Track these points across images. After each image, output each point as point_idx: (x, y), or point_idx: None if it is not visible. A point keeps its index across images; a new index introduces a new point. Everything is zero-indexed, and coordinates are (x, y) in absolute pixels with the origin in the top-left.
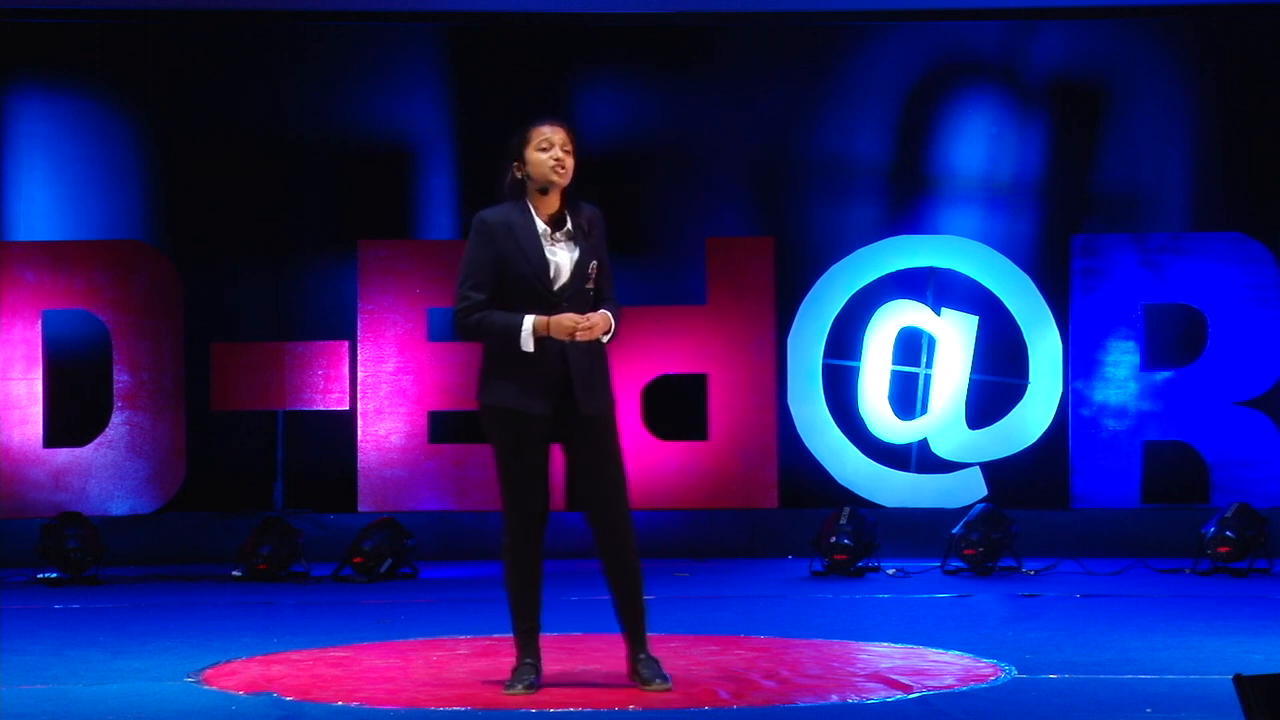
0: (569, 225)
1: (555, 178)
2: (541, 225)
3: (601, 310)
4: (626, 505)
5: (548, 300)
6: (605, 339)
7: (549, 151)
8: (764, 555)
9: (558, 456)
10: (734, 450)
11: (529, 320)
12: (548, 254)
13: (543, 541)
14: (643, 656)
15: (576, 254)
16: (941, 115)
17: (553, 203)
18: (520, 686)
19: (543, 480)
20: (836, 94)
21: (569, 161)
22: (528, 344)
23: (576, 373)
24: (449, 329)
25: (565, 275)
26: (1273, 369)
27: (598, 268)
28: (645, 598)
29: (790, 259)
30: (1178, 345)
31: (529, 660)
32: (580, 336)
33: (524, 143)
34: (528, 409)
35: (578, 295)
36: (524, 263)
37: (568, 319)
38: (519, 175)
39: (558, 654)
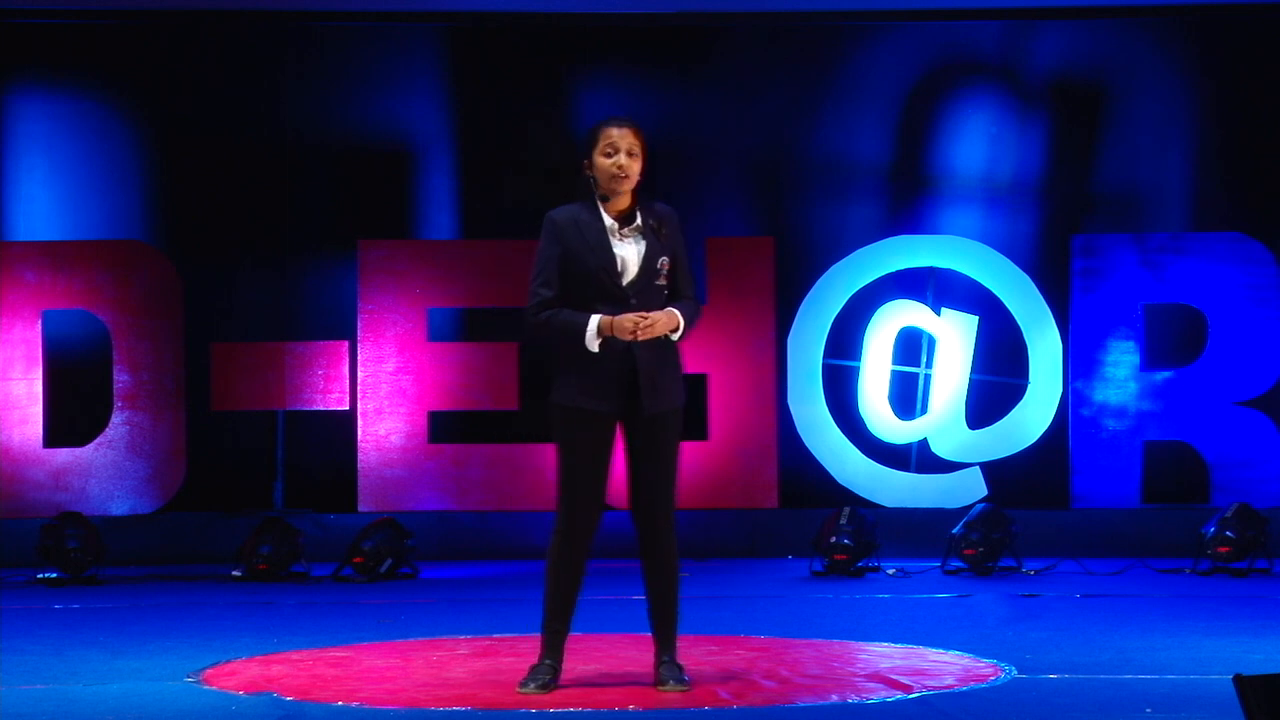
0: (638, 221)
1: (616, 186)
2: (609, 221)
3: (668, 308)
4: (672, 510)
5: (617, 295)
6: (675, 337)
7: (613, 157)
8: (764, 555)
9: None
10: (734, 450)
11: (594, 320)
12: (615, 249)
13: (589, 544)
14: (666, 659)
15: (644, 249)
16: (941, 115)
17: (621, 200)
18: (533, 685)
19: (601, 481)
20: (836, 94)
21: (634, 166)
22: (592, 344)
23: (643, 371)
24: (448, 329)
25: (633, 270)
26: (1273, 369)
27: (670, 264)
28: (679, 603)
29: (790, 259)
30: (1178, 345)
31: (549, 661)
32: (641, 335)
33: (592, 144)
34: (595, 407)
35: (648, 291)
36: (590, 258)
37: (628, 318)
38: (588, 174)
39: None
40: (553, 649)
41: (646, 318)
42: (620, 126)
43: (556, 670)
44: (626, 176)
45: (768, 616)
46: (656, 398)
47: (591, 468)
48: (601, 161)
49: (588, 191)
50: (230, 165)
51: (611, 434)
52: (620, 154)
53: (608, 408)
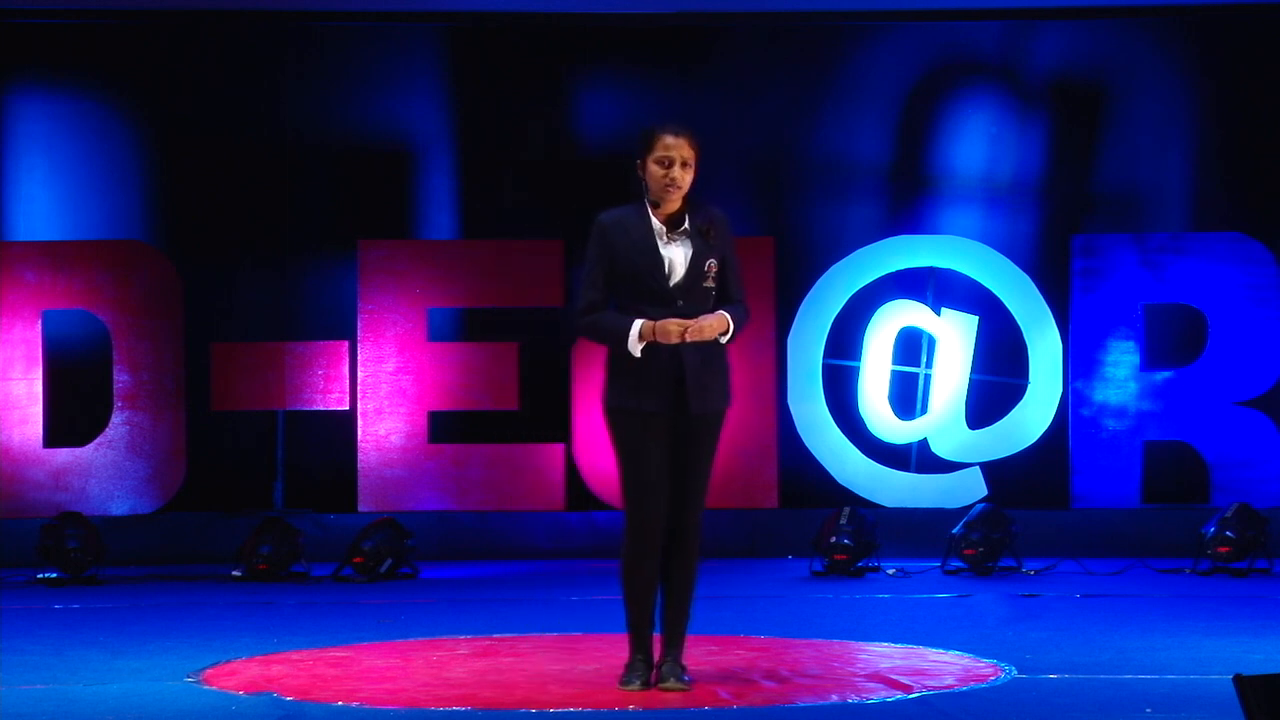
0: (686, 225)
1: (667, 196)
2: (657, 224)
3: (719, 311)
4: (702, 510)
5: (664, 297)
6: (724, 339)
7: (668, 169)
8: (764, 555)
9: None
10: (734, 450)
11: (636, 325)
12: (662, 250)
13: (658, 541)
14: (670, 659)
15: (692, 251)
16: (941, 115)
17: (671, 205)
18: (638, 682)
19: (661, 478)
20: (836, 94)
21: (686, 177)
22: (635, 349)
23: (690, 373)
24: (448, 329)
25: (680, 272)
26: (1273, 369)
27: (718, 267)
28: (693, 604)
29: (790, 259)
30: (1178, 345)
31: (640, 656)
32: (690, 338)
33: (646, 148)
34: (645, 408)
35: (695, 293)
36: (638, 259)
37: (673, 324)
38: (640, 175)
39: (558, 654)
40: (641, 646)
41: (695, 322)
42: (676, 135)
43: (650, 664)
44: (678, 189)
45: (768, 616)
46: (703, 398)
47: (649, 466)
48: (654, 170)
49: (639, 192)
50: (230, 165)
51: (664, 431)
52: (674, 166)
53: (656, 407)
